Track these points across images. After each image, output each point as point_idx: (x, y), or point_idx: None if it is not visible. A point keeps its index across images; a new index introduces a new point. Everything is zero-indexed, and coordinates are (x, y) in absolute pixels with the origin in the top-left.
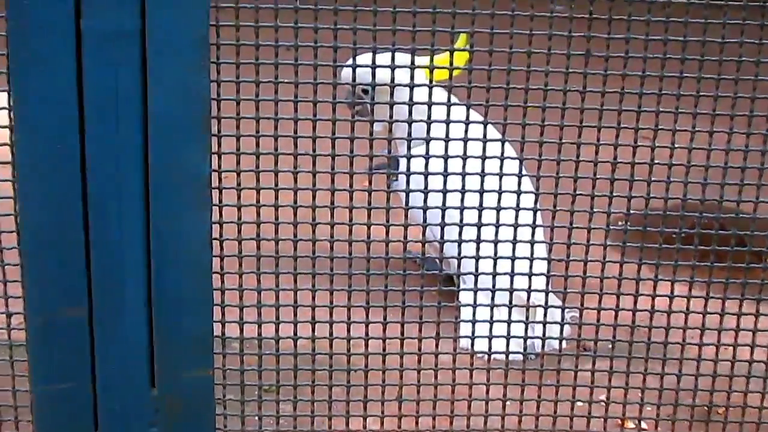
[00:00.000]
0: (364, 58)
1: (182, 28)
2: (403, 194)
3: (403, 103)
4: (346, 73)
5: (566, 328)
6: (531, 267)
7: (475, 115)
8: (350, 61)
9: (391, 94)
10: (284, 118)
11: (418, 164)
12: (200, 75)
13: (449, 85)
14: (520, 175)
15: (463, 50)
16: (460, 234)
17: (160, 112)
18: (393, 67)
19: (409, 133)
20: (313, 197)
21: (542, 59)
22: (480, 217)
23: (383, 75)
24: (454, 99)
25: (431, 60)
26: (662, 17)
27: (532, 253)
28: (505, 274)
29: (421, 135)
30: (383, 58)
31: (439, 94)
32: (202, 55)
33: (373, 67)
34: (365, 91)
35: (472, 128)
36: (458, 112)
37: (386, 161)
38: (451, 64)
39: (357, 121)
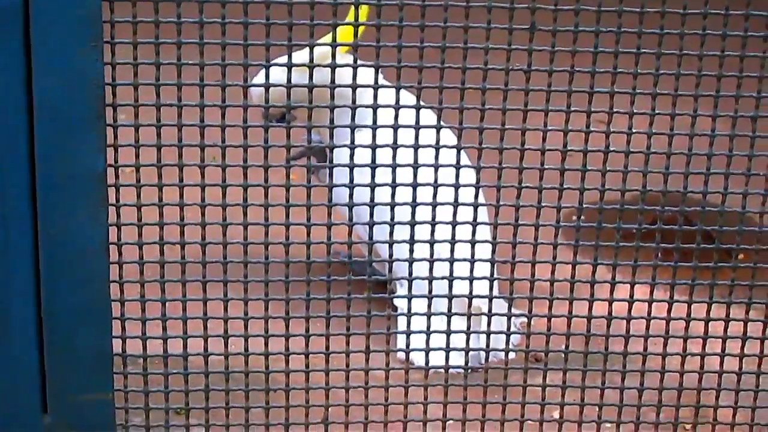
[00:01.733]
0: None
1: (70, 2)
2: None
3: (325, 86)
4: (259, 89)
5: (513, 337)
6: (472, 269)
7: (406, 98)
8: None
9: (311, 77)
10: (189, 104)
11: (342, 155)
12: (92, 56)
13: (376, 64)
14: (458, 167)
15: (363, 24)
16: (391, 233)
17: (46, 99)
18: (312, 45)
19: (331, 120)
20: (223, 194)
21: (481, 34)
22: (413, 213)
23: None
24: (382, 80)
25: (333, 36)
26: None
27: (473, 254)
28: (443, 278)
29: (346, 122)
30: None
31: (366, 75)
32: (93, 33)
33: (290, 66)
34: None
35: (403, 113)
36: (387, 95)
37: (306, 150)
38: (356, 19)
39: (271, 107)
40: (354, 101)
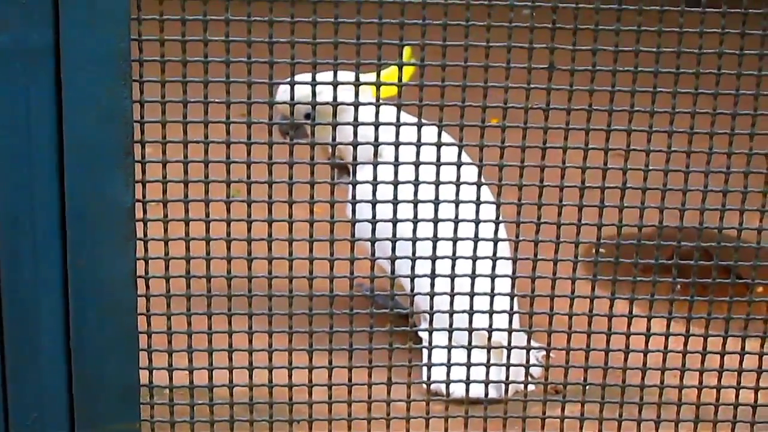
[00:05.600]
0: (304, 76)
1: (99, 42)
2: (351, 221)
3: (348, 123)
4: (283, 93)
5: (533, 369)
6: (492, 303)
7: (428, 135)
8: (288, 80)
9: (334, 115)
10: (215, 141)
11: (365, 191)
12: (121, 94)
13: (398, 102)
14: (479, 202)
15: (412, 64)
16: (413, 268)
17: (77, 136)
18: (336, 84)
19: (355, 157)
20: (249, 229)
21: (501, 74)
22: (435, 248)
23: (326, 94)
24: (405, 118)
25: (377, 76)
26: (633, 26)
27: (493, 288)
28: (464, 311)
29: (369, 159)
30: (325, 76)
31: (389, 114)
32: (122, 72)
33: (314, 84)
34: (306, 114)
35: (424, 150)
36: (409, 132)
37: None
38: (400, 79)
39: (296, 144)
40: (376, 138)
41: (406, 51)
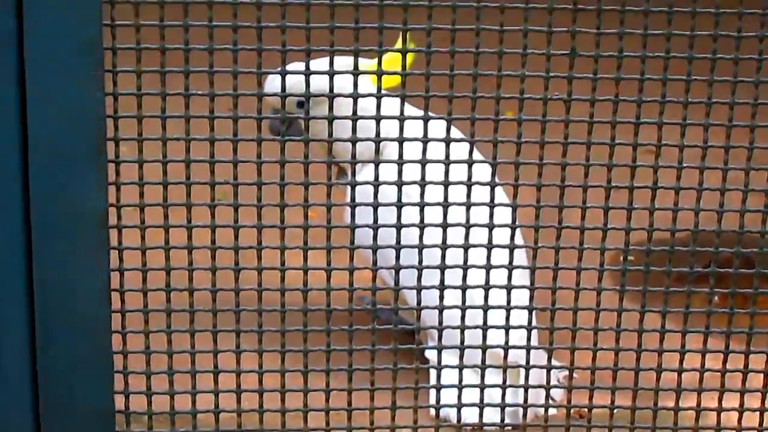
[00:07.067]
0: (297, 65)
1: (67, 28)
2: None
3: (346, 117)
4: (273, 83)
5: (554, 391)
6: (508, 317)
7: (435, 130)
8: (278, 69)
9: (331, 108)
10: (197, 138)
11: (365, 192)
12: (91, 86)
13: (402, 93)
14: (493, 205)
15: (417, 50)
16: (419, 278)
17: (42, 134)
18: (332, 74)
19: (353, 155)
20: (236, 236)
21: (516, 61)
22: (443, 256)
23: (321, 83)
24: (410, 111)
25: (379, 63)
26: (664, 6)
27: (509, 301)
28: (476, 327)
29: (370, 156)
30: (320, 64)
31: (391, 106)
32: (92, 61)
33: (308, 73)
34: (300, 104)
35: (431, 146)
36: (414, 127)
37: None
38: (404, 67)
39: (288, 140)
40: (378, 133)
41: (410, 36)
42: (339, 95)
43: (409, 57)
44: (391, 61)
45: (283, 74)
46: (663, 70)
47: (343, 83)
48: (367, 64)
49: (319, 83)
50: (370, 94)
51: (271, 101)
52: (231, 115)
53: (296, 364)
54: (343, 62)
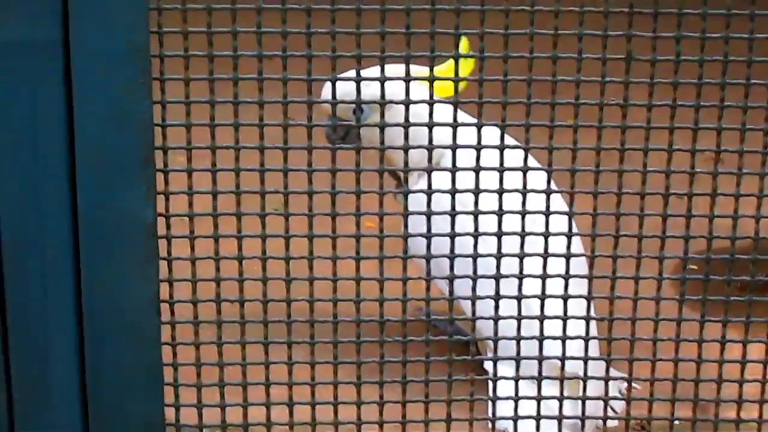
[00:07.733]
0: (351, 73)
1: (114, 35)
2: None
3: (399, 125)
4: (327, 90)
5: (613, 403)
6: (565, 328)
7: (489, 137)
8: (331, 76)
9: (382, 115)
10: (247, 147)
11: (419, 201)
12: (139, 94)
13: (455, 100)
14: (549, 213)
15: (470, 56)
16: (474, 289)
17: (90, 143)
18: (383, 80)
19: (406, 163)
20: (287, 246)
21: (571, 66)
22: (499, 266)
23: (375, 90)
24: (463, 118)
25: (431, 71)
26: (723, 9)
27: (566, 311)
28: (532, 338)
29: (424, 165)
30: (376, 71)
31: (445, 113)
32: (140, 69)
33: (359, 80)
34: (354, 112)
35: (485, 154)
36: (468, 134)
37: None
38: (457, 74)
39: (340, 148)
40: (431, 141)
41: (464, 42)
42: (390, 102)
43: (468, 66)
44: (446, 70)
45: (334, 81)
46: (722, 75)
47: (399, 90)
48: (419, 71)
49: (375, 91)
50: (423, 101)
51: (327, 108)
52: (281, 123)
53: (349, 376)
54: (395, 69)
